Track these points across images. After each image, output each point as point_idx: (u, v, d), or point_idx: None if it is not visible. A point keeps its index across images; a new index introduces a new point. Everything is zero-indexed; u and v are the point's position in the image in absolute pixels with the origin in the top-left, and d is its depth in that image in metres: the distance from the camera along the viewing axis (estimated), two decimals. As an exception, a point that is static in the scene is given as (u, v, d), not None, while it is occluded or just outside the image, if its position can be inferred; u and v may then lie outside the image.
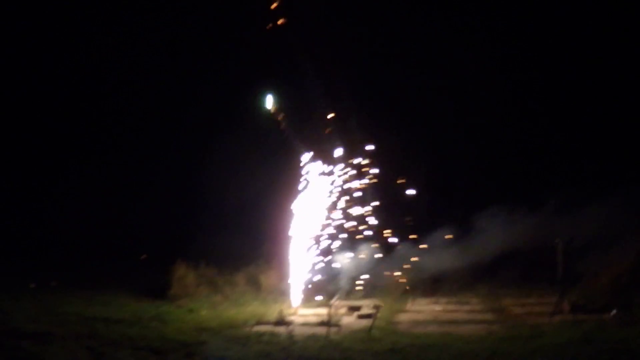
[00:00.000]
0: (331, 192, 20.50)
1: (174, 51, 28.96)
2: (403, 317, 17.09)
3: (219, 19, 26.86)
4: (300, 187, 19.77)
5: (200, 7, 27.02)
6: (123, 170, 30.13)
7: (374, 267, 21.19)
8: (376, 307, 17.10)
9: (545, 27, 24.93)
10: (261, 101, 20.36)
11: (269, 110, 20.31)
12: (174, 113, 29.67)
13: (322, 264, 20.26)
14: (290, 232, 19.37)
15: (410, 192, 22.41)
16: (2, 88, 29.16)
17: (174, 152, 29.80)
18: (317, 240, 20.00)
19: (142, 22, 28.07)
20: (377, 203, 21.39)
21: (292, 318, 16.83)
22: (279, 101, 20.39)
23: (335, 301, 18.79)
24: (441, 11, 25.43)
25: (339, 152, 20.68)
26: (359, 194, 21.13)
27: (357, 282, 20.79)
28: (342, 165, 20.81)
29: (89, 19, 28.80)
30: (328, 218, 20.38)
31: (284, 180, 20.64)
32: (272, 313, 16.78)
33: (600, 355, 12.14)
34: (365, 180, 21.30)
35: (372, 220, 21.27)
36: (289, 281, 19.49)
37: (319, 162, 20.14)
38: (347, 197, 20.86)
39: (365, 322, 15.81)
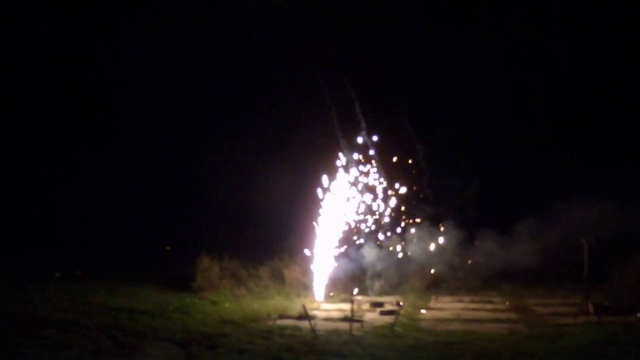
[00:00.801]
0: (359, 186, 20.48)
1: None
2: (426, 314, 17.06)
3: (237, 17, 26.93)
4: (327, 181, 19.79)
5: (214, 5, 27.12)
6: (150, 162, 30.29)
7: (398, 263, 21.17)
8: (399, 304, 17.06)
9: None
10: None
11: None
12: (203, 108, 29.79)
13: (347, 259, 20.26)
14: (315, 226, 19.39)
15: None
16: (15, 87, 29.40)
17: (202, 145, 29.91)
18: (343, 235, 20.00)
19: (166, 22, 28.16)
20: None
21: (315, 312, 16.86)
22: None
23: (358, 297, 18.84)
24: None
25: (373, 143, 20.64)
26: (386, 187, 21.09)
27: (381, 278, 20.77)
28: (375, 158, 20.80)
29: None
30: (354, 213, 20.36)
31: (311, 174, 20.62)
32: (295, 307, 16.82)
33: (624, 357, 12.04)
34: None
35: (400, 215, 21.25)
36: (313, 276, 19.53)
37: (348, 156, 20.14)
38: (372, 194, 20.82)
39: (387, 319, 15.78)
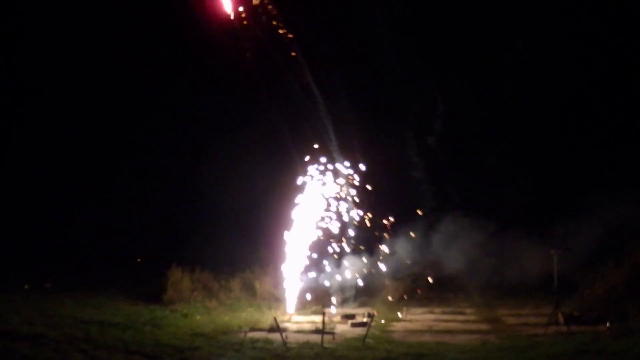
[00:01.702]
0: (328, 199, 20.46)
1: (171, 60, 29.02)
2: (397, 326, 17.08)
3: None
4: (297, 194, 19.76)
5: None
6: (120, 174, 30.15)
7: (369, 275, 21.22)
8: (370, 316, 17.07)
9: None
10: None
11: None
12: (172, 120, 29.72)
13: (317, 272, 20.26)
14: (286, 239, 19.36)
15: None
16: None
17: (172, 157, 29.84)
18: (313, 248, 19.97)
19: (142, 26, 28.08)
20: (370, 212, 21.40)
21: (287, 325, 16.84)
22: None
23: (329, 309, 18.83)
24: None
25: (339, 160, 20.64)
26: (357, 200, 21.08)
27: (352, 290, 20.78)
28: (343, 172, 20.78)
29: (85, 20, 28.75)
30: (324, 226, 20.34)
31: (281, 187, 20.61)
32: (267, 319, 16.74)
33: (594, 367, 12.15)
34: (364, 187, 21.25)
35: (369, 228, 21.26)
36: (284, 288, 19.50)
37: (317, 169, 20.11)
38: (345, 205, 20.81)
39: (359, 331, 15.77)
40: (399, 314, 18.65)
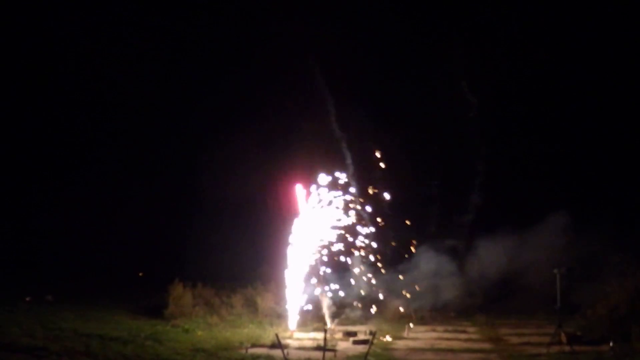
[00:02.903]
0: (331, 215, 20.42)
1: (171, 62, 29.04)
2: (399, 344, 17.02)
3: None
4: (299, 210, 19.74)
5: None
6: (122, 186, 30.13)
7: (372, 293, 21.19)
8: (372, 333, 17.00)
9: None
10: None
11: None
12: (173, 130, 29.78)
13: (320, 288, 20.20)
14: (288, 255, 19.32)
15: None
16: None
17: (173, 170, 29.85)
18: (315, 264, 19.92)
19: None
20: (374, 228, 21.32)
21: (288, 341, 16.77)
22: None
23: (331, 326, 18.77)
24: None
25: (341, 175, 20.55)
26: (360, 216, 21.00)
27: (354, 307, 20.75)
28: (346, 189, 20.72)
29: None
30: (326, 243, 20.29)
31: (283, 202, 20.56)
32: (268, 336, 16.71)
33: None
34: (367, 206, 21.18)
35: (372, 244, 21.20)
36: (286, 304, 19.46)
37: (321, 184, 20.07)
38: (349, 221, 20.73)
39: (361, 348, 15.69)
40: (405, 332, 18.63)
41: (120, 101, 28.82)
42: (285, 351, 14.58)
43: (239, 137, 26.63)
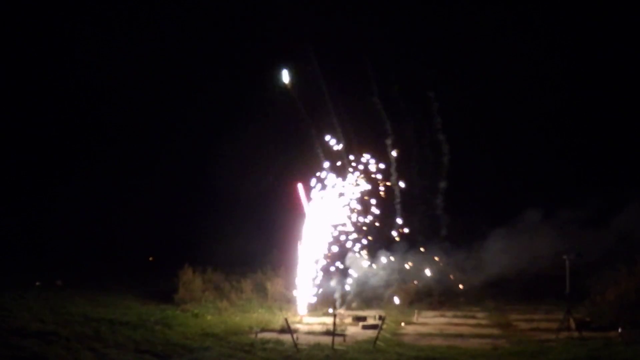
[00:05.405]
0: (343, 200, 20.41)
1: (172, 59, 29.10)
2: (409, 329, 17.02)
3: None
4: (311, 195, 19.75)
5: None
6: (132, 172, 30.19)
7: (382, 278, 21.18)
8: (381, 318, 17.01)
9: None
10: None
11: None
12: (185, 119, 29.83)
13: (330, 273, 20.22)
14: (299, 240, 19.34)
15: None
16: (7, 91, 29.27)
17: (185, 156, 29.88)
18: (326, 249, 19.94)
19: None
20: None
21: (298, 326, 16.81)
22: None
23: (340, 311, 18.78)
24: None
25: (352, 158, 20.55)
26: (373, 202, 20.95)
27: (364, 293, 20.76)
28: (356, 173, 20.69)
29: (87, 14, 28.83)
30: (339, 226, 20.28)
31: (295, 188, 20.53)
32: (278, 320, 16.77)
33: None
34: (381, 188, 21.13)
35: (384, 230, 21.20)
36: (295, 289, 19.48)
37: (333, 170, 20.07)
38: (360, 207, 20.70)
39: (370, 333, 15.71)
40: (415, 317, 18.64)
41: (142, 95, 28.97)
42: (295, 336, 14.60)
43: (255, 127, 26.65)
